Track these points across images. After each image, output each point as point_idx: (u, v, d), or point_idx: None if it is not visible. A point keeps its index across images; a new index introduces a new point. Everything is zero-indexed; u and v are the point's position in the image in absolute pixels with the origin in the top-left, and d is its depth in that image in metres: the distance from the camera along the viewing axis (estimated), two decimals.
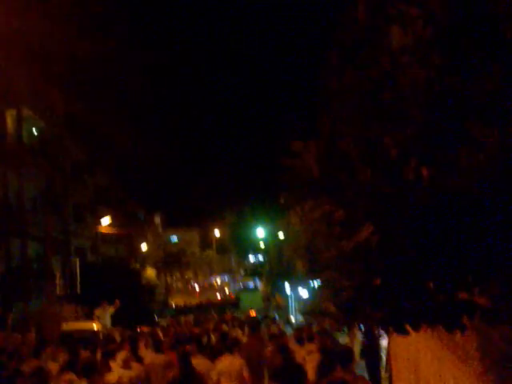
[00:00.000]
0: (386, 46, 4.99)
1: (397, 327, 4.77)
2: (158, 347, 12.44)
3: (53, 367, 10.99)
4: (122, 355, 11.06)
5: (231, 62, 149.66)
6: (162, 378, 10.68)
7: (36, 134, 36.96)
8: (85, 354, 12.65)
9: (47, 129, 36.99)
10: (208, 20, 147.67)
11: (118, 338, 19.22)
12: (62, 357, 12.25)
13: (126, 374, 10.00)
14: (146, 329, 27.05)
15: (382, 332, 13.63)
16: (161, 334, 18.44)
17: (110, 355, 11.17)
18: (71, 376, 9.27)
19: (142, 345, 14.70)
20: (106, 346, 14.07)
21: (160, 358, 11.59)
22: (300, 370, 7.25)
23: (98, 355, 12.01)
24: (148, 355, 12.21)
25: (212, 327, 27.89)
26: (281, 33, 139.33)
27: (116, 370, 10.25)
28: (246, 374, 10.45)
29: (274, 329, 20.83)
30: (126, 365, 10.44)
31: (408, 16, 4.46)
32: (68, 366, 9.87)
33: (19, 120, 32.62)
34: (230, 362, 10.45)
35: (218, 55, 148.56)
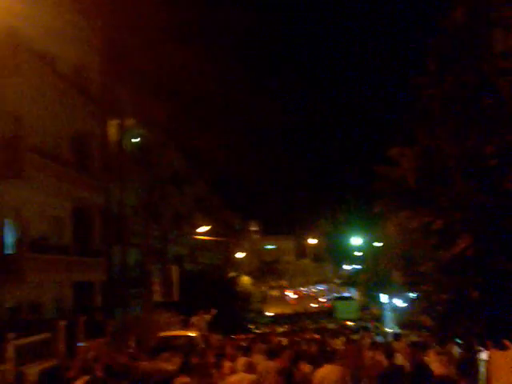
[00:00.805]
0: (487, 50, 4.74)
1: (495, 342, 4.49)
2: (272, 353, 12.94)
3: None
4: (241, 360, 11.47)
5: (326, 65, 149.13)
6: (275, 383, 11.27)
7: (137, 143, 37.97)
8: (195, 359, 13.24)
9: (148, 138, 37.92)
10: (311, 29, 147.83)
11: (216, 343, 19.93)
12: (176, 361, 12.65)
13: (247, 378, 10.21)
14: (241, 337, 27.25)
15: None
16: (275, 341, 19.02)
17: (222, 359, 12.22)
18: (185, 379, 9.73)
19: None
20: (209, 351, 14.69)
21: (273, 364, 11.99)
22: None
23: (209, 359, 12.81)
24: (261, 361, 12.44)
25: (309, 336, 27.90)
26: (378, 38, 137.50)
27: (237, 374, 10.65)
28: (347, 381, 10.75)
29: (368, 339, 20.65)
30: (246, 369, 10.66)
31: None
32: (181, 370, 10.36)
33: (121, 130, 33.58)
34: (330, 370, 10.66)
35: (314, 56, 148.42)
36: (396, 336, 22.05)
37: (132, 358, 14.08)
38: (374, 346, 16.98)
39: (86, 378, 10.24)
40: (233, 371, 11.44)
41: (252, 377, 10.07)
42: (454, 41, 17.25)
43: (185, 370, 10.36)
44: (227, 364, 12.62)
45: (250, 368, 10.64)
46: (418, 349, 10.17)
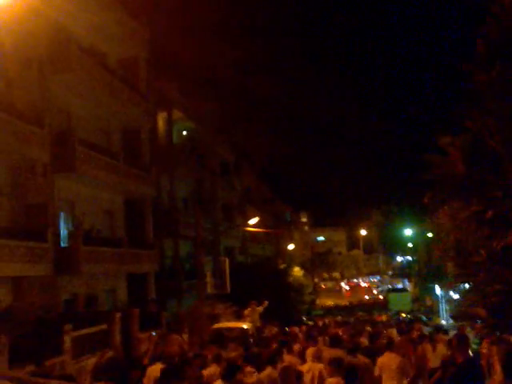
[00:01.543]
0: None
1: None
2: (335, 343, 13.33)
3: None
4: (311, 350, 11.77)
5: (376, 53, 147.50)
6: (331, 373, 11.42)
7: (186, 135, 38.12)
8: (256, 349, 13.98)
9: (197, 130, 38.04)
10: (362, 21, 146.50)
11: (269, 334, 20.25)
12: (239, 351, 13.14)
13: (317, 367, 10.46)
14: (295, 329, 27.04)
15: None
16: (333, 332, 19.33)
17: (285, 347, 12.59)
18: (251, 369, 9.92)
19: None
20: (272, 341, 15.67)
21: (335, 353, 11.93)
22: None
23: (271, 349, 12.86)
24: (326, 350, 12.57)
25: (364, 328, 27.71)
26: (428, 26, 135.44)
27: (306, 363, 10.99)
28: (406, 369, 11.18)
29: (416, 331, 20.48)
30: (315, 358, 10.94)
31: None
32: (245, 360, 10.69)
33: (170, 122, 33.73)
34: (389, 359, 11.12)
35: (356, 47, 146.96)
36: (438, 328, 22.44)
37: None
38: (423, 337, 17.46)
39: (161, 365, 10.31)
40: (295, 361, 11.70)
41: (321, 366, 10.18)
42: (503, 25, 16.73)
43: (249, 359, 10.62)
44: (294, 351, 13.19)
45: (318, 357, 10.81)
46: (463, 341, 10.03)
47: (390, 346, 11.82)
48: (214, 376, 9.66)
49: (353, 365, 8.98)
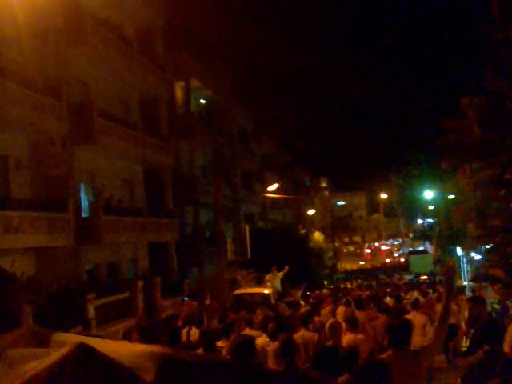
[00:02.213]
0: None
1: None
2: (359, 305, 14.49)
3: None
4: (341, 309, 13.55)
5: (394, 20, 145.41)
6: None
7: (204, 104, 38.12)
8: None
9: (214, 98, 38.00)
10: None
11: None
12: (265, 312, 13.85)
13: (358, 337, 10.32)
14: (317, 293, 27.35)
15: None
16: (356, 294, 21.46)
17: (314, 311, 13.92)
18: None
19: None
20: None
21: (361, 315, 12.86)
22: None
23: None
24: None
25: (386, 290, 28.11)
26: None
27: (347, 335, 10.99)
28: (429, 327, 11.57)
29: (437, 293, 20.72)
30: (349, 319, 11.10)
31: None
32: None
33: (188, 91, 33.72)
34: (414, 317, 11.59)
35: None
36: (459, 290, 23.20)
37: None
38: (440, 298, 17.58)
39: (197, 329, 10.83)
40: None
41: (361, 337, 10.14)
42: None
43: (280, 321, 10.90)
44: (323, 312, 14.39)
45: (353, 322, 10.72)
46: (476, 302, 10.49)
47: (415, 305, 13.22)
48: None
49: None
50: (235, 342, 5.71)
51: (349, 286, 39.19)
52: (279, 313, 14.45)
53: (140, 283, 21.25)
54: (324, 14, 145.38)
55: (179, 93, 33.36)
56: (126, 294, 20.41)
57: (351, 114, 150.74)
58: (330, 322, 10.20)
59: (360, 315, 12.51)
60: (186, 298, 22.88)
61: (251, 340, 5.62)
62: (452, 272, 8.46)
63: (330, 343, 8.80)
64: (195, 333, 11.25)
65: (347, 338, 9.53)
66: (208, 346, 7.72)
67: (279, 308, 16.68)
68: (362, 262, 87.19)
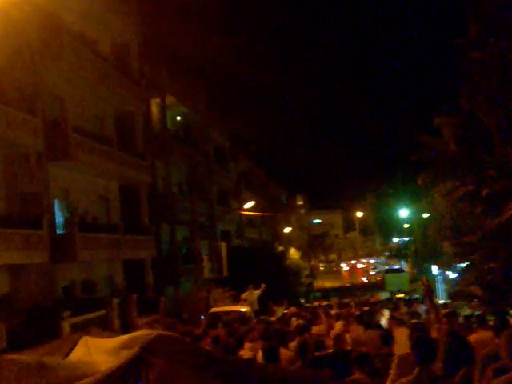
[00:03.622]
0: None
1: None
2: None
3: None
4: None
5: (369, 34, 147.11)
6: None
7: (180, 121, 38.05)
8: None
9: (190, 115, 37.95)
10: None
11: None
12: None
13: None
14: (292, 309, 27.24)
15: None
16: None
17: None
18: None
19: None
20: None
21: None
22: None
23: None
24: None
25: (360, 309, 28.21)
26: (419, 5, 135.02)
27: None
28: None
29: (418, 310, 20.62)
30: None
31: None
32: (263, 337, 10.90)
33: (163, 108, 33.63)
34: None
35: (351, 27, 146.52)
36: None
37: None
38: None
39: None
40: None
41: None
42: (495, 4, 16.82)
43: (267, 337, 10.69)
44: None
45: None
46: (451, 318, 10.43)
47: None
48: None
49: None
50: None
51: (325, 303, 39.10)
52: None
53: (116, 300, 20.99)
54: (299, 35, 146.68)
55: (155, 110, 33.26)
56: (101, 312, 20.14)
57: (327, 133, 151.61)
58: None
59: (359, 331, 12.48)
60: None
61: None
62: (429, 290, 8.55)
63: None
64: None
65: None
66: None
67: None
68: (339, 281, 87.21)
